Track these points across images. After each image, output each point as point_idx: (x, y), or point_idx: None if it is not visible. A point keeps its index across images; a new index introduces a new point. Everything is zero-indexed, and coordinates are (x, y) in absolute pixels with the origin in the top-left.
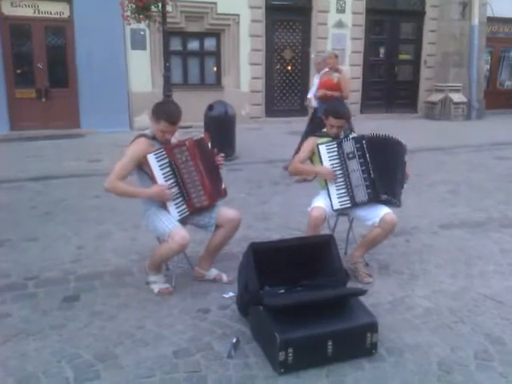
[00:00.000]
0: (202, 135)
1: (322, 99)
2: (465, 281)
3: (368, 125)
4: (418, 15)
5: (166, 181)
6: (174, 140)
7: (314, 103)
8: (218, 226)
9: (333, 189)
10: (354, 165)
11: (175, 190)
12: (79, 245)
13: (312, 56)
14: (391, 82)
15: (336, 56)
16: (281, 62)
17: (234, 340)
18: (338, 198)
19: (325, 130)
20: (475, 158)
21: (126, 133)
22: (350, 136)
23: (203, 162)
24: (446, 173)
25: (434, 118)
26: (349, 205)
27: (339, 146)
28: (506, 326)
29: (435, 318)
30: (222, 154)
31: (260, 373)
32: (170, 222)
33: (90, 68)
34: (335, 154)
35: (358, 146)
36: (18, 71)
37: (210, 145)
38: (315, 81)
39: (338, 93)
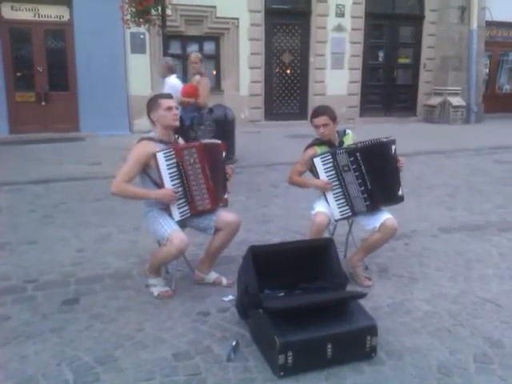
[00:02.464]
0: (219, 141)
1: (182, 106)
2: (464, 284)
3: (367, 128)
4: (416, 19)
5: (171, 181)
6: (181, 142)
7: None
8: (217, 230)
9: (331, 199)
10: (350, 177)
11: (180, 190)
12: (79, 248)
13: (311, 60)
14: (390, 85)
15: (201, 59)
16: (280, 65)
17: (234, 343)
18: (339, 207)
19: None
20: (474, 162)
21: (125, 136)
22: (344, 145)
23: (210, 166)
24: (446, 176)
25: (433, 121)
26: (349, 214)
27: (334, 157)
28: (505, 329)
29: (434, 321)
30: (232, 166)
31: (259, 376)
32: (168, 226)
33: (90, 71)
34: (330, 165)
35: (351, 159)
36: (18, 74)
37: (224, 154)
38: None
39: (193, 99)
